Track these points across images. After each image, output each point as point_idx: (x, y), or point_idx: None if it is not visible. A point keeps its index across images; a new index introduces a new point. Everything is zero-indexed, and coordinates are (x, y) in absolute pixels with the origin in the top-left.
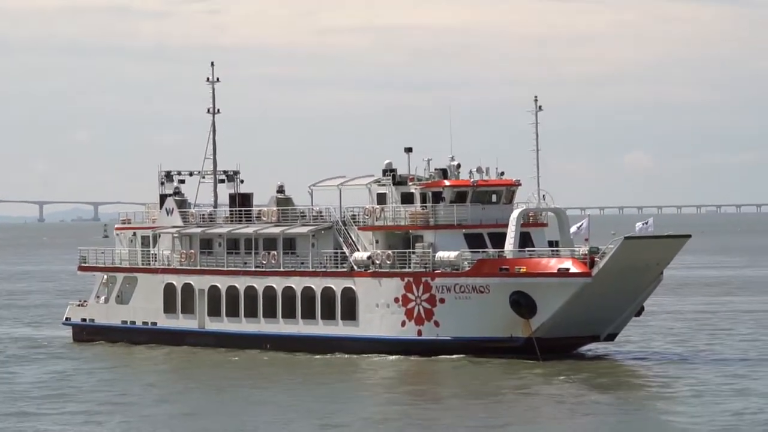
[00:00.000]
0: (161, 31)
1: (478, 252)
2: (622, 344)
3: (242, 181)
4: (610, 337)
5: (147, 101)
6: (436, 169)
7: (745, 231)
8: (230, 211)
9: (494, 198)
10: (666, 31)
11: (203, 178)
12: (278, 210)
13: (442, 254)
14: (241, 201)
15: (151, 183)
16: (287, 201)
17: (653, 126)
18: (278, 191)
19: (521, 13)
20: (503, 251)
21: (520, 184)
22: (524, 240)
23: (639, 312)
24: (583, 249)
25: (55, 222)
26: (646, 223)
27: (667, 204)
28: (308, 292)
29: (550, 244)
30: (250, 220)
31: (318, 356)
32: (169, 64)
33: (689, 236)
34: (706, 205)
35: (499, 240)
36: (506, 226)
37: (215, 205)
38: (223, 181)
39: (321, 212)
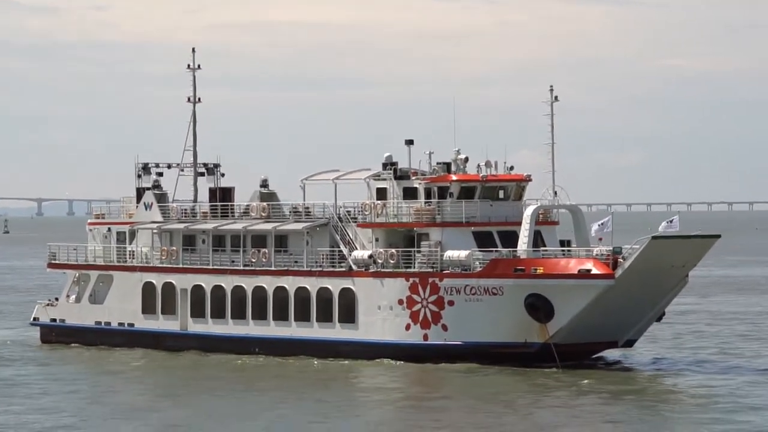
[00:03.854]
0: (46, 26)
1: (490, 251)
2: (641, 351)
3: (223, 175)
4: (629, 343)
5: (32, 98)
6: (439, 163)
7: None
8: (212, 206)
9: (502, 194)
10: (552, 30)
11: (182, 170)
12: (269, 205)
13: (452, 253)
14: (222, 195)
15: (31, 180)
16: (271, 195)
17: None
18: (261, 185)
19: (408, 11)
20: (516, 250)
21: (530, 180)
22: (535, 239)
23: (660, 317)
24: (600, 248)
25: None
26: (671, 221)
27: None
28: (302, 293)
29: (562, 243)
30: (228, 216)
31: (315, 361)
32: (55, 60)
33: (719, 236)
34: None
35: (509, 239)
36: (516, 224)
37: (195, 199)
38: (203, 174)
39: (308, 208)
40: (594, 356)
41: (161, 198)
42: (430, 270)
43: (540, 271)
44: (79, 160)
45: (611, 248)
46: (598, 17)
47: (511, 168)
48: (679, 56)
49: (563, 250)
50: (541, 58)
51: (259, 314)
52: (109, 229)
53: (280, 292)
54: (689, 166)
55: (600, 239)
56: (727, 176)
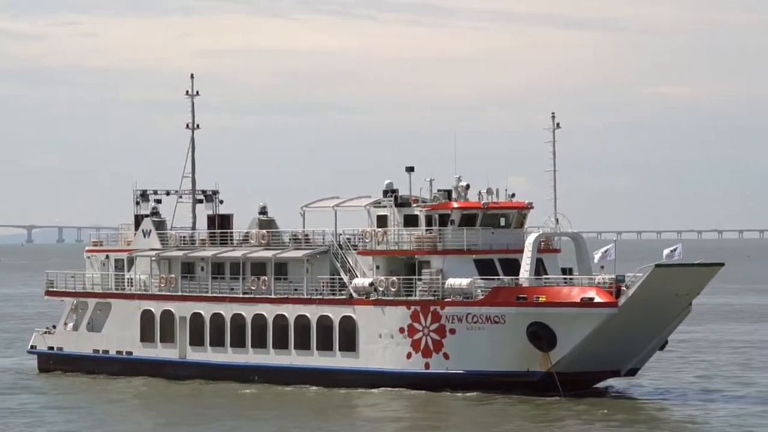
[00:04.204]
0: (34, 52)
1: (492, 279)
2: (643, 380)
3: (221, 202)
4: (632, 372)
5: (21, 123)
6: (439, 190)
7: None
8: (211, 233)
9: (503, 222)
10: (538, 56)
11: (180, 197)
12: (268, 233)
13: (453, 281)
14: (221, 222)
15: (21, 207)
16: (270, 223)
17: (530, 152)
18: (260, 212)
19: (396, 38)
20: (518, 278)
21: (532, 207)
22: (537, 267)
23: (663, 346)
24: (601, 276)
25: None
26: (674, 249)
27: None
28: (302, 321)
29: (563, 271)
30: (227, 243)
31: (313, 389)
32: (43, 86)
33: (722, 264)
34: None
35: (510, 266)
36: (518, 251)
37: (194, 227)
38: (201, 201)
39: (307, 235)
40: (596, 385)
41: (160, 225)
42: (432, 298)
43: (542, 299)
44: (68, 186)
45: (614, 276)
46: (587, 43)
47: (513, 195)
48: (666, 84)
49: (565, 278)
50: (530, 84)
51: (259, 342)
52: (107, 257)
53: (280, 320)
54: (678, 194)
55: (602, 267)
56: (717, 203)
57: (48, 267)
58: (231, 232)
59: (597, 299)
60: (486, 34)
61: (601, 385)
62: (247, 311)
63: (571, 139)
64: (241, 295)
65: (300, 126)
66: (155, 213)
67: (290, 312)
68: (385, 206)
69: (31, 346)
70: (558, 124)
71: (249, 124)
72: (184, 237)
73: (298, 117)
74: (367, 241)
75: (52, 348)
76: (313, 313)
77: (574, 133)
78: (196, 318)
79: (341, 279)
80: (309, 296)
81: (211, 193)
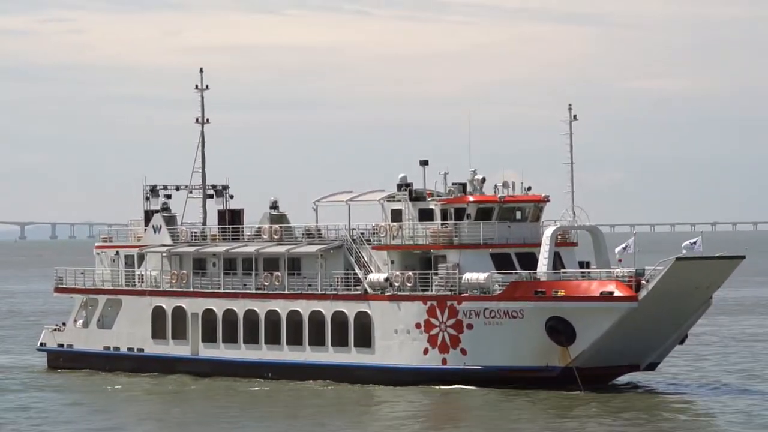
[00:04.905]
0: (21, 49)
1: (509, 274)
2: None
3: (232, 197)
4: (651, 367)
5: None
6: (454, 184)
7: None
8: (222, 228)
9: (519, 215)
10: (530, 51)
11: (191, 192)
12: (281, 227)
13: (470, 276)
14: (231, 218)
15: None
16: (281, 218)
17: (520, 144)
18: (271, 207)
19: (384, 33)
20: (536, 273)
21: (548, 200)
22: (554, 261)
23: (683, 340)
24: (621, 270)
25: None
26: (694, 242)
27: None
28: (317, 317)
29: (581, 265)
30: (238, 239)
31: (330, 386)
32: (32, 82)
33: (743, 257)
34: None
35: (527, 260)
36: (534, 245)
37: (204, 222)
38: (211, 196)
39: (320, 230)
40: (614, 380)
41: (170, 221)
42: (448, 293)
43: (561, 293)
44: (60, 183)
45: (634, 270)
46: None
47: (529, 188)
48: (654, 77)
49: (583, 272)
50: (521, 78)
51: (273, 338)
52: (117, 253)
53: (294, 315)
54: (669, 188)
55: (619, 260)
56: (709, 197)
57: (42, 263)
58: (242, 228)
59: (617, 293)
60: (478, 30)
61: (621, 379)
62: (261, 307)
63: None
64: (254, 291)
65: (293, 122)
66: (166, 208)
67: (304, 308)
68: (399, 200)
69: (41, 344)
70: (575, 116)
71: (243, 120)
72: (195, 232)
73: (287, 113)
74: (381, 235)
75: (62, 345)
76: (327, 308)
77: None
78: (209, 314)
79: (356, 274)
80: (323, 292)
81: (221, 188)
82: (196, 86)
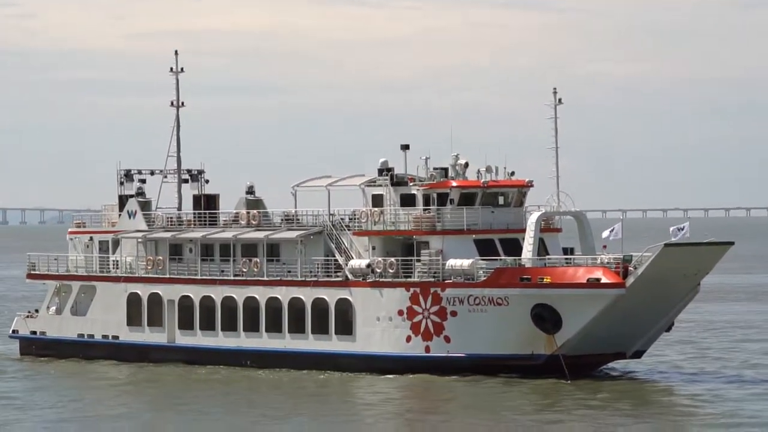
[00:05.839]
0: None
1: (494, 260)
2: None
3: (207, 181)
4: (637, 354)
5: None
6: (435, 169)
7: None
8: (198, 213)
9: (502, 200)
10: (476, 37)
11: (165, 177)
12: (259, 213)
13: (454, 262)
14: (207, 203)
15: None
16: (257, 203)
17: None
18: (247, 192)
19: (330, 18)
20: (521, 259)
21: (532, 185)
22: (538, 247)
23: (669, 327)
24: (608, 256)
25: None
26: (682, 228)
27: None
28: (296, 304)
29: (565, 251)
30: (215, 224)
31: (307, 373)
32: None
33: (732, 243)
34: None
35: (511, 246)
36: (518, 231)
37: (179, 207)
38: (186, 181)
39: (299, 215)
40: (600, 368)
41: (145, 206)
42: (432, 279)
43: (547, 280)
44: (29, 168)
45: (621, 256)
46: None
47: (512, 173)
48: (604, 61)
49: (568, 258)
50: (471, 64)
51: (251, 326)
52: (91, 238)
53: (273, 302)
54: (615, 173)
55: (604, 246)
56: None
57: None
58: (219, 213)
59: (604, 280)
60: (423, 14)
61: (606, 367)
62: (239, 294)
63: (525, 120)
64: (232, 278)
65: (255, 107)
66: (141, 193)
67: (284, 294)
68: (380, 185)
69: (13, 331)
70: (560, 100)
71: (202, 104)
72: (171, 218)
73: (244, 98)
74: (362, 221)
75: (34, 332)
76: (307, 295)
77: (524, 115)
78: (185, 301)
79: (336, 260)
80: (303, 278)
81: (196, 172)
82: (171, 69)
